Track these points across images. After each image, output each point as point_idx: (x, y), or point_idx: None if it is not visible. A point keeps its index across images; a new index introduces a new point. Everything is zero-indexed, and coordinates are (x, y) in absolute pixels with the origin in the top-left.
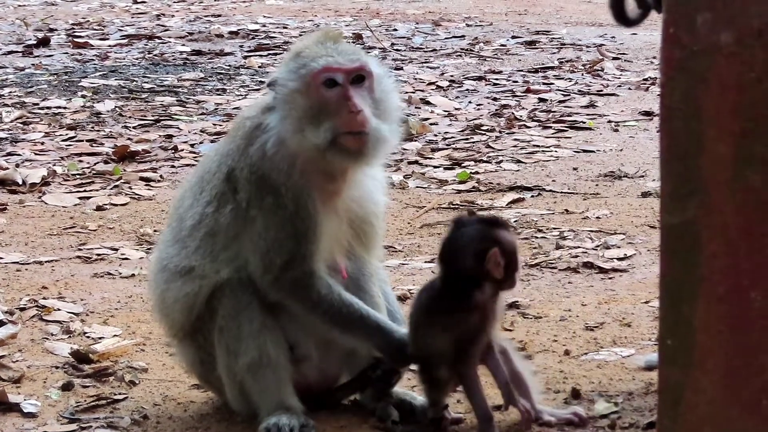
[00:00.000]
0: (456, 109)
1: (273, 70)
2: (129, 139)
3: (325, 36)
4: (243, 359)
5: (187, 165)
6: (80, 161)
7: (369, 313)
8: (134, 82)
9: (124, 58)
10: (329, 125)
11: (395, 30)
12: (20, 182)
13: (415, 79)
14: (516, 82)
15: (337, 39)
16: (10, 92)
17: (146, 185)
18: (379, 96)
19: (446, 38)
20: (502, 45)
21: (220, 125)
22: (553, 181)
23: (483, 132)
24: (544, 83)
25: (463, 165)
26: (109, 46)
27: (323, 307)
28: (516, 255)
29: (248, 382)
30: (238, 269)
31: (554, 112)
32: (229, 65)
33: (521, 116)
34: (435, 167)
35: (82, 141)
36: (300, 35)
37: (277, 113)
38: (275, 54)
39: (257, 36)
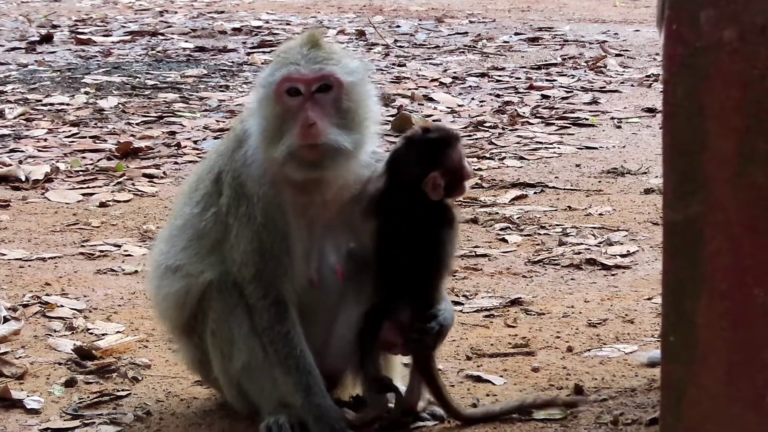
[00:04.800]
0: (459, 105)
1: None
2: (132, 135)
3: (306, 39)
4: (236, 362)
5: (190, 161)
6: (83, 158)
7: (307, 367)
8: (137, 79)
9: (127, 55)
10: (287, 138)
11: (398, 26)
12: (23, 179)
13: (418, 75)
14: (519, 78)
15: (315, 43)
16: (13, 89)
17: (149, 182)
18: (346, 105)
19: (449, 35)
20: (505, 42)
21: (223, 122)
22: (556, 177)
23: (486, 129)
24: (546, 80)
25: None
26: (112, 42)
27: (267, 337)
28: (459, 171)
29: (245, 384)
30: (222, 272)
31: (557, 108)
32: (232, 62)
33: (524, 113)
34: None
35: (85, 137)
36: (303, 31)
37: (255, 118)
38: None
39: (260, 32)
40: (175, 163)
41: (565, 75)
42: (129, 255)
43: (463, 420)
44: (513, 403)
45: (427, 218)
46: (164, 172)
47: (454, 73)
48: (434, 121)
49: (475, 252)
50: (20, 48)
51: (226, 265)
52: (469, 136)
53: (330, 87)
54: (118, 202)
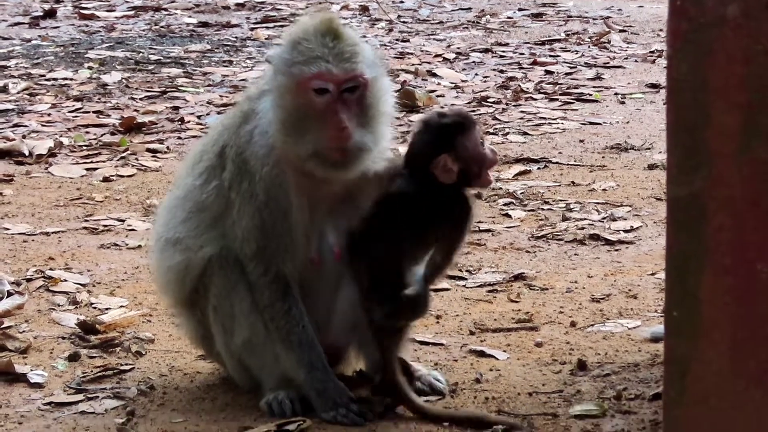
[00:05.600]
0: (462, 81)
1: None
2: (135, 110)
3: (327, 27)
4: (237, 338)
5: (194, 136)
6: (87, 132)
7: (309, 342)
8: (141, 54)
9: (130, 30)
10: (313, 137)
11: (402, 2)
12: (27, 153)
13: (422, 51)
14: (522, 54)
15: (337, 33)
16: (17, 64)
17: (153, 156)
18: (369, 101)
19: (453, 10)
20: (509, 17)
21: (227, 97)
22: (560, 153)
23: (489, 104)
24: (550, 55)
25: None
26: (116, 17)
27: (269, 314)
28: (475, 155)
29: (246, 359)
30: (223, 248)
31: (561, 84)
32: (236, 37)
33: (528, 88)
34: None
35: (89, 112)
36: (306, 7)
37: (269, 100)
38: (282, 26)
39: (264, 8)
40: (179, 138)
41: (568, 51)
42: (132, 230)
43: (415, 412)
44: (475, 414)
45: (439, 208)
46: (168, 147)
47: (458, 48)
48: (438, 96)
49: (479, 227)
50: (24, 23)
51: (227, 240)
52: (473, 111)
53: (357, 86)
54: (122, 176)
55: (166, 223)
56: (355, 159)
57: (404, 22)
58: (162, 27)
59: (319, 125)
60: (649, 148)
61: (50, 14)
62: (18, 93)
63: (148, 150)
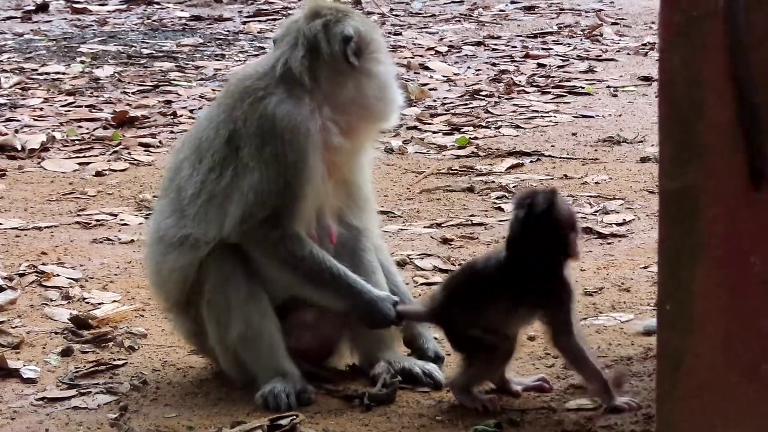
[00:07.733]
0: (455, 74)
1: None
2: (128, 104)
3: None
4: (233, 331)
5: (186, 130)
6: (79, 127)
7: (341, 272)
8: (133, 48)
9: (122, 24)
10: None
11: None
12: (19, 148)
13: (414, 44)
14: (515, 47)
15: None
16: (9, 58)
17: (145, 151)
18: None
19: (445, 3)
20: (501, 10)
21: (219, 91)
22: (552, 146)
23: (482, 97)
24: (543, 48)
25: (462, 130)
26: (108, 11)
27: (292, 263)
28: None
29: (241, 353)
30: (216, 243)
31: (553, 77)
32: (228, 31)
33: (520, 81)
34: (434, 132)
35: (81, 106)
36: (299, 0)
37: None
38: (274, 20)
39: (256, 1)
40: (171, 132)
41: (561, 43)
42: (125, 224)
43: None
44: None
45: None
46: (160, 141)
47: (450, 41)
48: (430, 90)
49: (471, 221)
50: (16, 17)
51: (228, 219)
52: (465, 104)
53: None
54: (114, 171)
55: (174, 224)
56: None
57: (396, 15)
58: (154, 21)
59: None
60: (641, 141)
61: (42, 8)
62: (10, 87)
63: (141, 144)
